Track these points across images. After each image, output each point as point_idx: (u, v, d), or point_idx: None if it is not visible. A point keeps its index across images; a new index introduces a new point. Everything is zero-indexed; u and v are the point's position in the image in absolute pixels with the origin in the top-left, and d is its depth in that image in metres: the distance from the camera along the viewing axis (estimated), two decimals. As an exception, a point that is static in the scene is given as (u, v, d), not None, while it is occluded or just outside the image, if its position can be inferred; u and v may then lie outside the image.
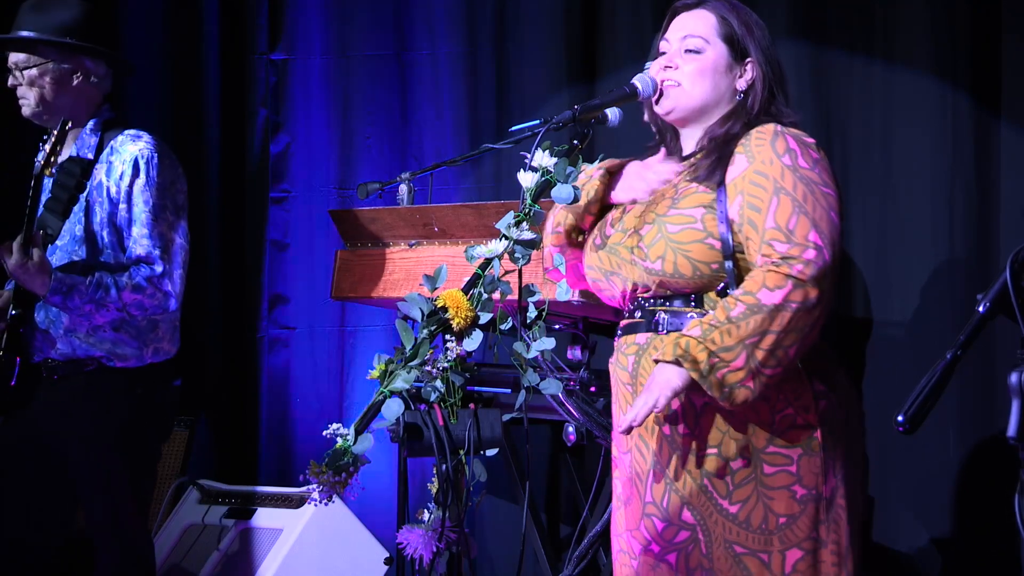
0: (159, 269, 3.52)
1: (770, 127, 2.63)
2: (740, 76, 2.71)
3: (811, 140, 2.63)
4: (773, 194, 2.54)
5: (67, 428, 3.52)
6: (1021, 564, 2.35)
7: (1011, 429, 2.07)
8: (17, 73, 3.64)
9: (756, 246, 2.55)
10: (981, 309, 2.15)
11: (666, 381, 2.48)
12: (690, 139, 2.78)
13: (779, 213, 2.53)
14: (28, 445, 3.55)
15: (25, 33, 3.61)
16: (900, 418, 2.11)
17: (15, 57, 3.65)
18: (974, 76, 3.89)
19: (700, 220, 2.60)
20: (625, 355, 2.69)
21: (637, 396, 2.58)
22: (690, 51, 2.71)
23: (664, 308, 2.64)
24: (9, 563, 3.57)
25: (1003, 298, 2.12)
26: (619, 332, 2.76)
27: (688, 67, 2.71)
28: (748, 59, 2.72)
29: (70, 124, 3.51)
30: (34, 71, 3.61)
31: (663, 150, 2.81)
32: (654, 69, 2.75)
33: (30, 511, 3.57)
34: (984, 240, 3.86)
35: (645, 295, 2.67)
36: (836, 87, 4.07)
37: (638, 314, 2.68)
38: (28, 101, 3.63)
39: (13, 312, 3.50)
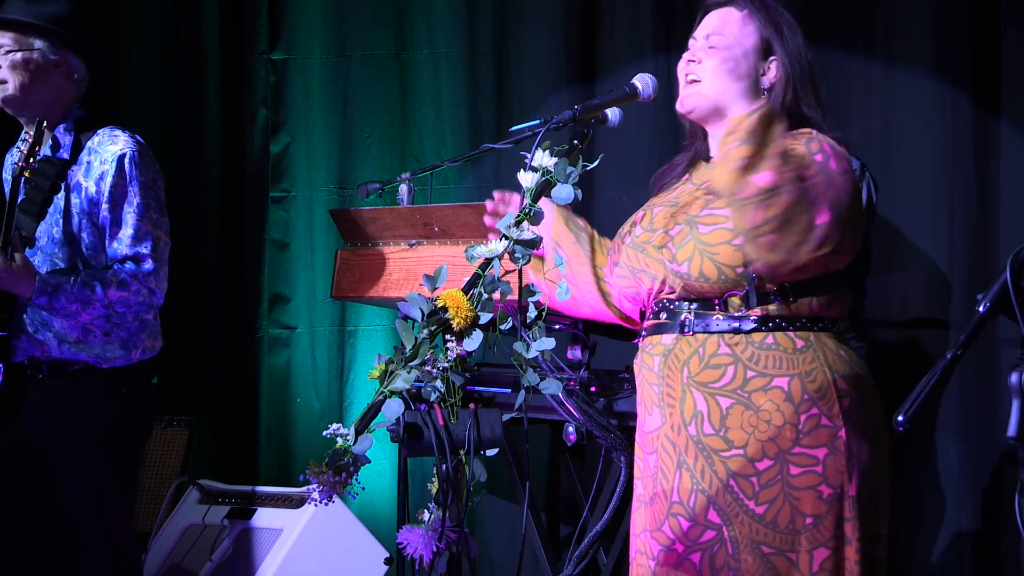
0: (147, 267, 3.46)
1: (807, 131, 2.65)
2: (763, 74, 2.71)
3: (842, 150, 2.63)
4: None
5: (53, 428, 3.49)
6: (1022, 564, 2.35)
7: (1011, 429, 2.08)
8: None
9: None
10: (981, 309, 2.15)
11: None
12: (717, 139, 2.77)
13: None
14: (18, 445, 3.53)
15: (16, 16, 3.49)
16: (900, 417, 2.11)
17: (0, 38, 3.52)
18: (974, 76, 3.89)
19: (731, 219, 2.61)
20: (651, 355, 2.70)
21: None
22: (714, 47, 2.72)
23: (689, 311, 2.64)
24: (6, 563, 3.56)
25: (1003, 298, 2.12)
26: (643, 332, 2.77)
27: (710, 62, 2.71)
28: (772, 58, 2.72)
29: (45, 123, 3.44)
30: (18, 56, 3.48)
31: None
32: (680, 64, 2.75)
33: (24, 511, 3.55)
34: (984, 240, 3.86)
35: (670, 296, 2.67)
36: (836, 87, 4.06)
37: (663, 315, 2.69)
38: (7, 86, 3.49)
39: None
